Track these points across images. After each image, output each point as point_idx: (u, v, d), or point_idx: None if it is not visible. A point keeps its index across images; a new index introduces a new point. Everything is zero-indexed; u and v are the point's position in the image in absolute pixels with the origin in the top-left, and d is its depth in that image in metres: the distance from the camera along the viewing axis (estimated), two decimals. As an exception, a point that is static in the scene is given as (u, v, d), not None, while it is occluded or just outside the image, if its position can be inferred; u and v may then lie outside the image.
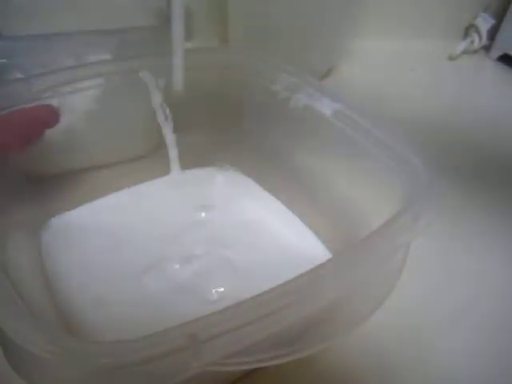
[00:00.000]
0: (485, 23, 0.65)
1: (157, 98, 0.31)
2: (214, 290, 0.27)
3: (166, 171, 0.35)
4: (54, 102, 0.27)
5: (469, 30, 0.67)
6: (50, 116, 0.25)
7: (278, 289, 0.16)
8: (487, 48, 0.66)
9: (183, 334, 0.14)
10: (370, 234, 0.20)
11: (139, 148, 0.36)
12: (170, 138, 0.32)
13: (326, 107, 0.28)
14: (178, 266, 0.28)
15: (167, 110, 0.32)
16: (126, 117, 0.33)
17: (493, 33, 0.65)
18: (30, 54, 0.31)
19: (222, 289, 0.27)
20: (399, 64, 0.62)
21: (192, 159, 0.35)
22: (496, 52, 0.65)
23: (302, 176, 0.32)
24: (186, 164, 0.34)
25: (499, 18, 0.64)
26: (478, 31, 0.65)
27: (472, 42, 0.65)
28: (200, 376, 0.15)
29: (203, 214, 0.33)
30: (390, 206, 0.23)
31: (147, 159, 0.36)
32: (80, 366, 0.14)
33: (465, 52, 0.66)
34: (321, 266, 0.18)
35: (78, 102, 0.31)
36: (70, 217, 0.31)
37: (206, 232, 0.31)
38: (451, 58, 0.65)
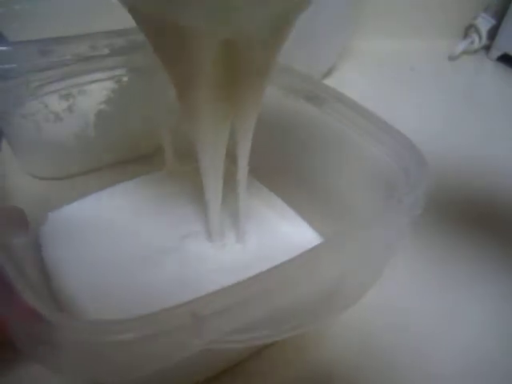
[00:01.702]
0: (485, 23, 0.65)
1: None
2: (210, 284, 0.27)
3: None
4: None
5: (469, 29, 0.67)
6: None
7: (276, 268, 0.16)
8: (487, 48, 0.67)
9: (185, 312, 0.14)
10: (360, 222, 0.20)
11: (139, 148, 0.36)
12: None
13: (325, 106, 0.28)
14: (176, 259, 0.28)
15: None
16: (126, 117, 0.34)
17: (493, 33, 0.65)
18: (40, 57, 0.31)
19: (219, 280, 0.27)
20: (399, 64, 0.63)
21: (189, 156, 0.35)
22: (496, 52, 0.65)
23: (297, 169, 0.32)
24: (182, 159, 0.35)
25: (499, 17, 0.64)
26: (477, 31, 0.65)
27: (472, 42, 0.66)
28: (201, 357, 0.15)
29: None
30: (382, 198, 0.24)
31: (147, 159, 0.36)
32: (82, 344, 0.14)
33: (465, 52, 0.66)
34: (315, 248, 0.18)
35: (80, 103, 0.32)
36: (68, 211, 0.31)
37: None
38: (451, 58, 0.65)
